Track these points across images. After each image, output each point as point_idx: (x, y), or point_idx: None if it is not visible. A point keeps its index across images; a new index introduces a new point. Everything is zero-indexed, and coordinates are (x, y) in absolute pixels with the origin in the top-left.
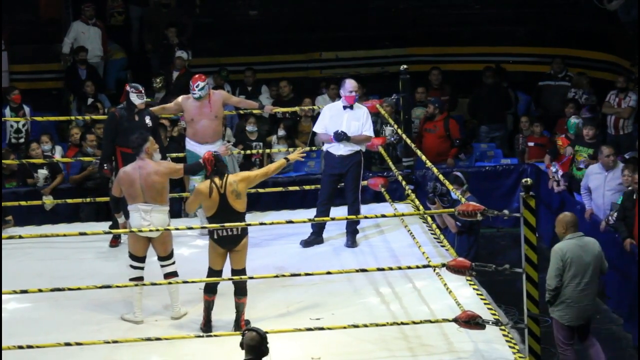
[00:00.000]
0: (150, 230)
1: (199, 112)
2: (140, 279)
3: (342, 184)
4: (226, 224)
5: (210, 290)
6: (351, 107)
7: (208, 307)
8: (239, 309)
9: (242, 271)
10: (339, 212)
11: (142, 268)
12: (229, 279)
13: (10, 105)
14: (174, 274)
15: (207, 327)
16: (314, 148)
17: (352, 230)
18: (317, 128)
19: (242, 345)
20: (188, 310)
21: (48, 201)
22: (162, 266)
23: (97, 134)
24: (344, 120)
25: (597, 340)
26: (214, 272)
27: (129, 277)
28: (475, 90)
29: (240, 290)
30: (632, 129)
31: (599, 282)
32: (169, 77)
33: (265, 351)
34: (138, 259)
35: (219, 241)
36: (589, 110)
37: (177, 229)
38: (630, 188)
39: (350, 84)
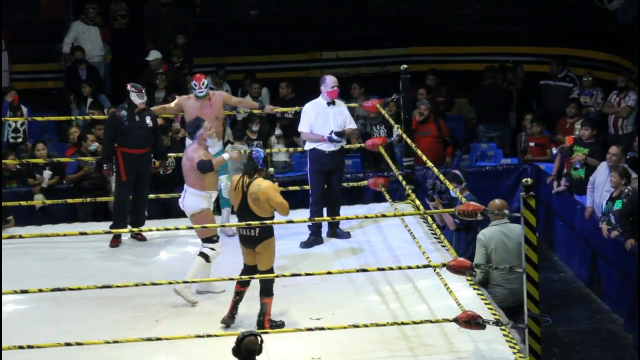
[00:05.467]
0: (143, 231)
1: (199, 112)
2: (205, 256)
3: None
4: (228, 224)
5: (244, 281)
6: (333, 103)
7: (237, 298)
8: (263, 309)
9: (266, 272)
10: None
11: (211, 248)
12: (231, 279)
13: (9, 105)
14: (203, 255)
15: (230, 318)
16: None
17: (337, 223)
18: (302, 127)
19: (239, 352)
20: (197, 300)
21: (38, 202)
22: (202, 245)
23: (97, 135)
24: (330, 116)
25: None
26: (246, 267)
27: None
28: (474, 90)
29: (264, 291)
30: (632, 129)
31: None
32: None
33: (261, 350)
34: (212, 241)
35: (241, 239)
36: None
37: (177, 229)
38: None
39: (331, 80)
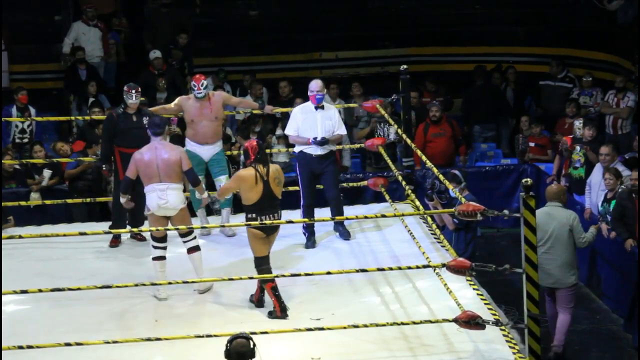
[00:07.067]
0: (142, 231)
1: (199, 112)
2: (162, 257)
3: (321, 185)
4: (228, 224)
5: (269, 279)
6: (322, 107)
7: (275, 292)
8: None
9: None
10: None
11: (164, 248)
12: (230, 279)
13: (16, 105)
14: (197, 248)
15: (283, 312)
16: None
17: (341, 222)
18: (289, 130)
19: (229, 355)
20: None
21: (34, 202)
22: (185, 242)
23: (99, 134)
24: (317, 120)
25: (568, 311)
26: (262, 259)
27: (152, 256)
28: (468, 90)
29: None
30: (631, 129)
31: (570, 255)
32: (151, 77)
33: (253, 354)
34: (159, 239)
35: (263, 229)
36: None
37: (177, 229)
38: (624, 187)
39: (313, 85)
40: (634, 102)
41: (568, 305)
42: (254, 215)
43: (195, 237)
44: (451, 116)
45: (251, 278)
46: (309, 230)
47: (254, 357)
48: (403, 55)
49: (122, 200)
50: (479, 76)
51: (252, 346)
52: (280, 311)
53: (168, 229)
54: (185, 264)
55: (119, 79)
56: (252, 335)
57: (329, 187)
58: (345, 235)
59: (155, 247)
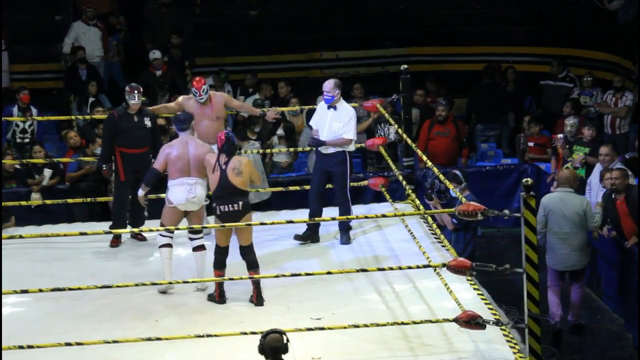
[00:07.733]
0: (143, 232)
1: (200, 112)
2: (169, 245)
3: (330, 184)
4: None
5: (220, 266)
6: (335, 107)
7: (221, 281)
8: (257, 282)
9: (249, 247)
10: (333, 212)
11: (171, 237)
12: (231, 279)
13: (18, 105)
14: (203, 247)
15: (221, 298)
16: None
17: (345, 228)
18: (312, 122)
19: (263, 350)
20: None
21: (35, 202)
22: (191, 239)
23: (99, 134)
24: (327, 119)
25: (582, 287)
26: (221, 249)
27: (159, 244)
28: (473, 89)
29: (252, 264)
30: (629, 128)
31: (584, 239)
32: (151, 77)
33: (287, 349)
34: (170, 230)
35: (221, 217)
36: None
37: (177, 229)
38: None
39: (325, 84)
40: (632, 102)
41: (582, 281)
42: (213, 204)
43: (202, 237)
44: (455, 116)
45: (251, 278)
46: (309, 225)
47: (287, 352)
48: (403, 55)
49: (141, 193)
50: (487, 75)
51: (285, 341)
52: (218, 296)
53: (169, 229)
54: (185, 264)
55: (119, 78)
56: (257, 334)
57: (335, 189)
58: (344, 240)
59: (163, 236)
